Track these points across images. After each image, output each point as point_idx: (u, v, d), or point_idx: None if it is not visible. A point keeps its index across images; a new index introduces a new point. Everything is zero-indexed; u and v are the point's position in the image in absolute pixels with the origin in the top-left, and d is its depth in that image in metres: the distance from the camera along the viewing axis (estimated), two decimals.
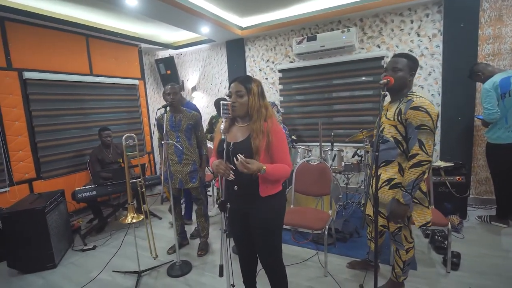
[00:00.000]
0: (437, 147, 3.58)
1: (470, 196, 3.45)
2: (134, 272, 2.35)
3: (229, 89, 1.53)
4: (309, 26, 4.14)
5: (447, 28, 3.32)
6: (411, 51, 3.56)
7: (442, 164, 3.16)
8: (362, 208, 1.97)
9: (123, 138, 2.23)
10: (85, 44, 3.82)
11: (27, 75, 3.21)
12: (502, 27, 3.14)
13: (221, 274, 1.50)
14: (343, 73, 4.04)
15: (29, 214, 2.44)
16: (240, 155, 1.32)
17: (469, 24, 3.20)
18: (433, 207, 2.43)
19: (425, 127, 1.52)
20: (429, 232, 2.63)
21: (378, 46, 3.75)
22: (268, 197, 1.49)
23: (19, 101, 3.17)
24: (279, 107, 3.97)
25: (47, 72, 3.41)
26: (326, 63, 4.09)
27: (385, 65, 1.69)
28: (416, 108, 1.53)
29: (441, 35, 3.39)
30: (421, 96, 1.61)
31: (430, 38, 3.46)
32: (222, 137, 1.46)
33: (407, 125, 1.57)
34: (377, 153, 1.56)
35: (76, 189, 3.00)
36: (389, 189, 1.66)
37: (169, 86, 2.52)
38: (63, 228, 2.83)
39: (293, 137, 3.55)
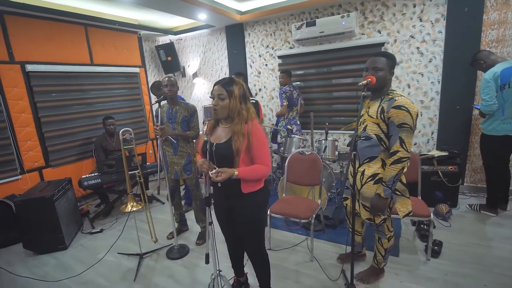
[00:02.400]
0: (434, 135, 3.58)
1: (465, 184, 3.49)
2: (137, 254, 2.56)
3: (212, 91, 1.60)
4: (309, 10, 4.04)
5: (451, 13, 3.19)
6: (412, 37, 3.47)
7: (436, 153, 3.18)
8: (345, 203, 2.06)
9: (120, 132, 2.35)
10: (84, 34, 3.87)
11: (30, 67, 3.32)
12: (509, 11, 3.00)
13: (207, 262, 1.65)
14: (343, 60, 3.99)
15: (39, 202, 2.65)
16: (212, 172, 1.42)
17: (474, 8, 3.07)
18: (420, 197, 2.51)
19: (406, 126, 1.58)
20: (416, 220, 2.72)
21: (379, 32, 3.66)
22: (250, 194, 1.59)
23: (24, 94, 3.30)
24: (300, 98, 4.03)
25: (48, 64, 3.51)
26: (326, 49, 4.03)
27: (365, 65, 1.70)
28: (398, 107, 1.58)
29: (444, 19, 3.27)
30: (402, 95, 1.65)
31: (432, 23, 3.34)
32: (205, 138, 1.55)
33: (389, 123, 1.63)
34: (354, 152, 1.65)
35: (82, 177, 3.20)
36: (373, 184, 1.74)
37: (167, 78, 2.55)
38: (72, 213, 3.06)
39: (288, 127, 3.60)
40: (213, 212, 1.69)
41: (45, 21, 3.46)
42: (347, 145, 2.93)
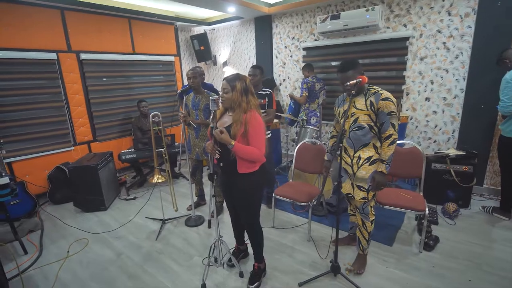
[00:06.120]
0: (455, 134, 3.50)
1: (484, 186, 3.41)
2: (160, 219, 3.02)
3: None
4: (335, 3, 4.07)
5: (482, 7, 3.05)
6: (439, 31, 3.37)
7: (453, 152, 3.15)
8: (342, 191, 2.24)
9: (150, 115, 2.76)
10: (128, 26, 4.36)
11: (83, 56, 3.91)
12: None
13: (209, 226, 2.02)
14: (367, 53, 3.98)
15: (86, 169, 3.22)
16: (220, 127, 1.73)
17: (508, 2, 2.91)
18: (421, 193, 2.58)
19: (394, 113, 1.87)
20: (417, 215, 2.80)
21: (405, 26, 3.60)
22: (245, 174, 1.86)
23: (78, 78, 3.91)
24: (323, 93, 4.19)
25: (98, 53, 4.07)
26: (350, 42, 4.06)
27: (341, 81, 1.95)
28: (385, 99, 1.86)
29: (474, 14, 3.13)
30: (383, 90, 1.92)
31: (461, 18, 3.22)
32: (211, 125, 1.86)
33: (378, 113, 1.89)
34: (341, 144, 1.85)
35: (121, 151, 3.75)
36: (369, 165, 1.98)
37: (191, 71, 2.90)
38: (112, 181, 3.63)
39: (304, 117, 3.77)
40: None
41: (96, 16, 4.00)
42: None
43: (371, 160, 1.97)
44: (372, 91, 1.91)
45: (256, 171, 1.89)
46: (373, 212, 2.11)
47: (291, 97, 4.19)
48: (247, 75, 2.65)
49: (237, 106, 1.80)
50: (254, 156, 1.78)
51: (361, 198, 2.04)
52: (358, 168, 2.01)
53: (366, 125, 1.93)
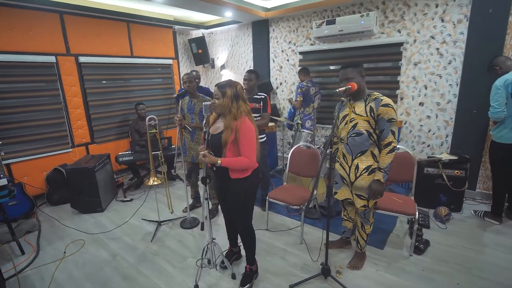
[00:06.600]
0: (449, 138, 3.54)
1: (477, 190, 3.44)
2: (156, 221, 3.06)
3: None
4: (331, 9, 4.12)
5: (475, 14, 3.10)
6: (432, 37, 3.42)
7: (445, 156, 3.19)
8: (336, 197, 2.27)
9: (147, 119, 2.81)
10: (126, 29, 4.42)
11: (82, 59, 3.95)
12: None
13: (202, 229, 2.06)
14: (362, 58, 4.03)
15: (84, 171, 3.26)
16: (205, 151, 1.77)
17: (499, 10, 2.96)
18: (412, 197, 2.62)
19: (393, 120, 1.85)
20: (409, 219, 2.84)
21: (399, 31, 3.65)
22: (237, 179, 1.88)
23: (76, 81, 3.96)
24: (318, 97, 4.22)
25: (97, 56, 4.12)
26: (346, 47, 4.11)
27: (339, 78, 1.99)
28: (386, 105, 1.84)
29: (467, 21, 3.18)
30: (384, 96, 1.90)
31: (454, 24, 3.27)
32: (204, 130, 1.90)
33: (378, 119, 1.88)
34: (330, 150, 1.88)
35: (118, 153, 3.79)
36: (368, 175, 1.97)
37: (186, 76, 2.95)
38: (109, 183, 3.67)
39: (298, 121, 3.81)
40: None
41: (94, 19, 4.05)
42: (323, 146, 2.88)
43: (370, 169, 1.95)
44: (372, 96, 1.90)
45: (248, 176, 1.91)
46: (372, 217, 2.16)
47: (290, 102, 4.25)
48: (242, 80, 2.70)
49: (228, 112, 1.83)
50: (245, 165, 1.81)
51: (361, 206, 2.07)
52: (356, 178, 2.00)
53: (365, 131, 1.91)
